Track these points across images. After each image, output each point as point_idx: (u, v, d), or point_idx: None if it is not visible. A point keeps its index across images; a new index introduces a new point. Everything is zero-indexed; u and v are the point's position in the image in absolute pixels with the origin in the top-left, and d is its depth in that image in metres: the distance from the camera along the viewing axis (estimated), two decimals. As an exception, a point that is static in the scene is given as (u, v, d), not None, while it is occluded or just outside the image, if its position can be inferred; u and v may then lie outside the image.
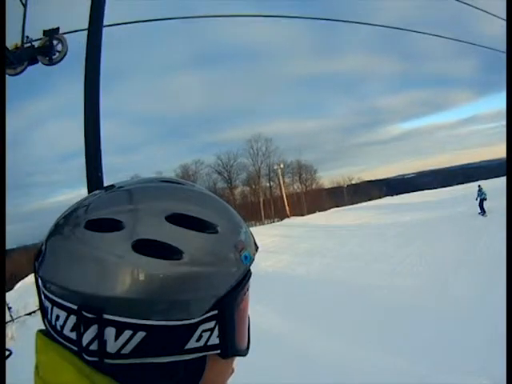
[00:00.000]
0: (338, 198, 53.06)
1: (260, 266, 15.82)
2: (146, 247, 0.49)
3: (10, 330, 13.38)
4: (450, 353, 5.66)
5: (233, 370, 0.60)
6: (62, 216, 0.54)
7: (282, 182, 43.41)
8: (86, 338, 0.48)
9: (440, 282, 8.90)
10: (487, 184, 21.04)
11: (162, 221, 0.51)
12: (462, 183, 40.04)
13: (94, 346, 0.48)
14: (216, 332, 0.52)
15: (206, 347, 0.51)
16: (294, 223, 27.57)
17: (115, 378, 0.49)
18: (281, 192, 43.31)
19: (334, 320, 8.12)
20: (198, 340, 0.51)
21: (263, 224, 39.45)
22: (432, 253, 11.62)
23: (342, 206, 42.46)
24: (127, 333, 0.48)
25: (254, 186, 46.35)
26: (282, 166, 44.17)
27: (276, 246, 19.53)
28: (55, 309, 0.50)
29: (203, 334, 0.51)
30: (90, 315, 0.47)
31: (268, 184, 46.71)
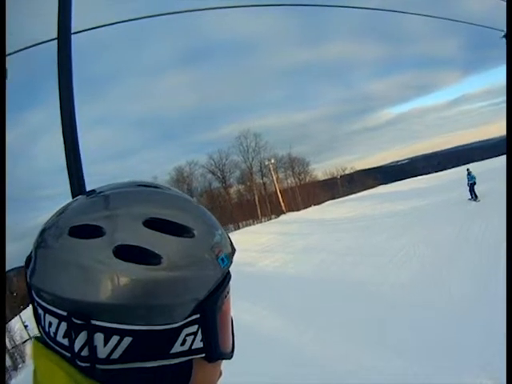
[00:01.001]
0: (333, 189, 53.06)
1: (258, 266, 15.88)
2: (127, 253, 0.49)
3: (28, 349, 13.40)
4: (448, 351, 5.57)
5: (221, 373, 0.60)
6: (47, 223, 0.54)
7: (274, 177, 43.41)
8: (78, 343, 0.48)
9: (434, 276, 8.84)
10: (477, 166, 21.03)
11: (140, 226, 0.51)
12: (457, 166, 40.07)
13: (85, 352, 0.48)
14: (199, 336, 0.52)
15: (191, 351, 0.52)
16: (290, 219, 27.60)
17: None
18: (275, 188, 43.29)
19: (329, 319, 8.08)
20: (182, 344, 0.51)
21: (261, 222, 39.48)
22: (426, 243, 11.57)
23: (337, 197, 42.50)
24: (115, 338, 0.48)
25: (248, 184, 46.24)
26: (272, 161, 44.10)
27: (272, 244, 19.61)
28: (47, 316, 0.50)
29: (187, 338, 0.51)
30: (79, 321, 0.48)
31: (261, 180, 46.60)
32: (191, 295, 0.52)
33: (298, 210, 38.08)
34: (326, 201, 40.28)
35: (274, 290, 11.41)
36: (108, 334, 0.48)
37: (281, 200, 40.27)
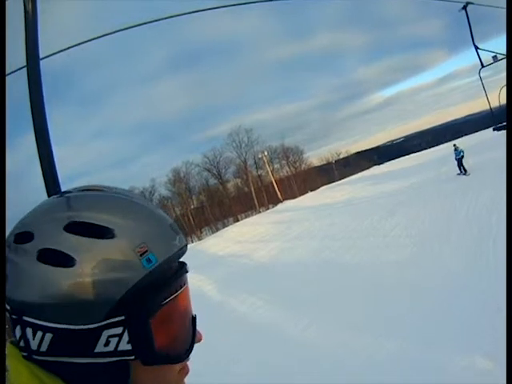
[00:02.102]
0: (329, 174, 53.16)
1: (254, 256, 15.92)
2: (47, 256, 0.52)
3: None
4: (441, 330, 5.50)
5: (187, 372, 0.60)
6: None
7: (269, 168, 43.48)
8: (17, 335, 0.53)
9: (425, 254, 8.84)
10: (466, 140, 20.99)
11: (60, 230, 0.53)
12: (450, 140, 39.92)
13: (22, 343, 0.53)
14: (126, 338, 0.53)
15: (117, 352, 0.53)
16: (286, 208, 27.61)
17: (63, 378, 0.53)
18: (271, 178, 43.37)
19: (322, 306, 8.10)
20: (106, 345, 0.52)
21: (259, 212, 39.52)
22: (416, 222, 11.59)
23: (333, 181, 42.51)
24: (39, 333, 0.52)
25: (245, 177, 46.43)
26: (266, 153, 44.27)
27: (268, 233, 19.60)
28: (6, 313, 0.56)
29: (110, 339, 0.52)
30: (15, 316, 0.53)
31: (257, 173, 46.80)
32: (105, 298, 0.52)
33: (295, 197, 38.09)
34: (322, 186, 40.31)
35: (269, 279, 11.45)
36: (34, 329, 0.52)
37: (277, 189, 40.30)
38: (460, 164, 15.43)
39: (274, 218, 23.73)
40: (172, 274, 0.58)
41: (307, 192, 39.28)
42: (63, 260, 0.52)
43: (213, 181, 46.31)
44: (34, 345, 0.52)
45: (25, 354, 0.53)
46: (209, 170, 45.65)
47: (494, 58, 10.26)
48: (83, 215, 0.55)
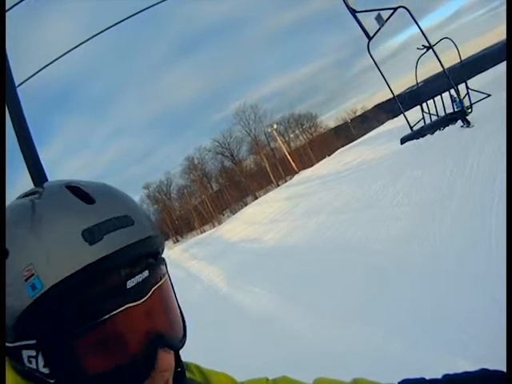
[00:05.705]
0: (347, 133, 51.56)
1: (262, 240, 15.91)
2: None
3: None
4: (433, 323, 5.02)
5: None
6: None
7: (280, 141, 42.59)
8: None
9: (426, 225, 8.22)
10: (474, 81, 19.32)
11: None
12: (469, 78, 37.40)
13: None
14: (41, 361, 0.49)
15: (40, 373, 0.50)
16: (299, 180, 27.27)
17: None
18: (284, 150, 42.58)
19: (316, 293, 7.79)
20: (29, 363, 0.50)
21: (277, 186, 39.27)
22: (419, 187, 10.86)
23: (352, 141, 41.18)
24: None
25: (259, 154, 45.83)
26: (275, 126, 43.15)
27: (278, 213, 19.49)
28: None
29: (30, 359, 0.50)
30: None
31: (269, 147, 45.98)
32: (4, 321, 0.49)
33: (312, 164, 37.41)
34: (340, 147, 39.25)
35: (273, 265, 11.23)
36: None
37: (291, 161, 39.53)
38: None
39: (287, 194, 23.36)
40: (97, 293, 0.48)
41: (325, 157, 38.54)
42: None
43: (228, 162, 46.09)
44: None
45: None
46: (222, 153, 45.42)
47: (378, 18, 8.19)
48: None
